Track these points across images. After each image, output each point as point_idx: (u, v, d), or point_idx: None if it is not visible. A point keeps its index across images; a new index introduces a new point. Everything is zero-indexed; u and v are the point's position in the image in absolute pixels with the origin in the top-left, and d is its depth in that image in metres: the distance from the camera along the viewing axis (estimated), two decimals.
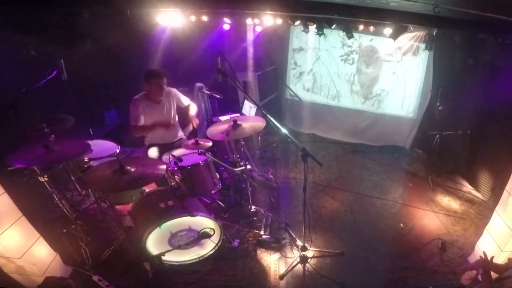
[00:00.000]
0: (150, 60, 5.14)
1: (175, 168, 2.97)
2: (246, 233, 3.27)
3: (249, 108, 4.65)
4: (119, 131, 5.01)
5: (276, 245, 3.12)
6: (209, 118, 4.42)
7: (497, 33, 3.14)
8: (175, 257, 2.76)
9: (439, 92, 4.23)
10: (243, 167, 3.49)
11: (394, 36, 3.75)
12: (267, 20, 4.35)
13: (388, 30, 3.82)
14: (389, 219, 3.64)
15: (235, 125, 3.10)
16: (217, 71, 2.78)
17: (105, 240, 3.03)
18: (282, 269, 2.88)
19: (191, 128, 3.81)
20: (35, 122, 3.14)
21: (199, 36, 5.19)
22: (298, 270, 2.89)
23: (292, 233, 3.20)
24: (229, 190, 3.72)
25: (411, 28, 4.16)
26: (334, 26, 4.08)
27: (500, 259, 2.45)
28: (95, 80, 4.80)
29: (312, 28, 4.46)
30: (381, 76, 5.32)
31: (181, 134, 3.84)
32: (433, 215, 3.70)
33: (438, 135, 4.24)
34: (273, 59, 6.02)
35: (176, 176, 3.06)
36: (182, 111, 3.81)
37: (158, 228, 2.60)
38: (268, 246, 3.13)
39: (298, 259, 2.92)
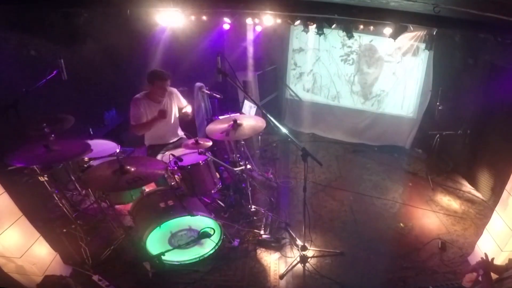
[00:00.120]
0: (150, 60, 5.13)
1: (175, 167, 2.97)
2: (246, 233, 3.27)
3: (249, 107, 4.65)
4: (119, 131, 5.00)
5: (276, 244, 3.12)
6: (209, 118, 4.42)
7: (497, 33, 3.13)
8: (175, 256, 2.76)
9: (439, 92, 4.22)
10: (243, 167, 3.49)
11: (394, 36, 3.75)
12: (267, 20, 4.35)
13: (388, 30, 3.82)
14: (389, 219, 3.64)
15: (235, 124, 3.09)
16: (217, 71, 2.78)
17: (105, 240, 3.04)
18: (282, 269, 2.88)
19: (190, 109, 3.80)
20: (35, 122, 3.14)
21: (199, 36, 5.19)
22: (298, 270, 2.89)
23: (292, 233, 3.20)
24: (229, 190, 3.72)
25: (411, 28, 4.17)
26: (334, 26, 4.08)
27: (500, 259, 2.45)
28: (95, 80, 4.80)
29: (312, 28, 4.46)
30: (381, 77, 5.32)
31: (181, 133, 3.84)
32: (433, 215, 3.70)
33: (438, 135, 4.24)
34: (273, 59, 6.02)
35: (176, 176, 3.06)
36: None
37: (158, 227, 2.60)
38: (268, 245, 3.13)
39: (298, 259, 2.92)
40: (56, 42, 4.00)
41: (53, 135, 3.16)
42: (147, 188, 3.15)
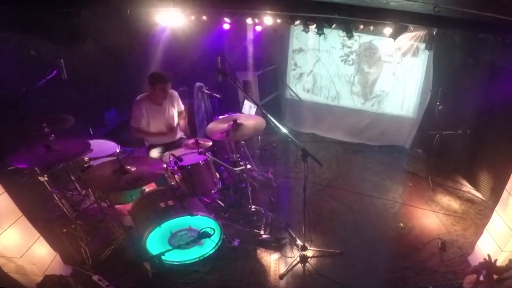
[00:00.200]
0: (150, 60, 5.14)
1: (175, 167, 2.97)
2: (246, 233, 3.27)
3: (249, 107, 4.65)
4: (119, 131, 5.01)
5: (276, 244, 3.13)
6: (209, 118, 4.42)
7: (497, 33, 3.14)
8: (175, 256, 2.76)
9: (439, 92, 4.22)
10: (243, 167, 3.49)
11: (394, 36, 3.75)
12: (267, 20, 4.35)
13: (388, 30, 3.82)
14: (389, 219, 3.64)
15: (235, 124, 3.09)
16: (217, 71, 2.79)
17: (105, 240, 3.03)
18: (282, 269, 2.88)
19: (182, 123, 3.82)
20: (35, 122, 3.14)
21: (199, 36, 5.19)
22: (298, 270, 2.89)
23: (292, 233, 3.20)
24: (229, 189, 3.71)
25: (411, 28, 4.17)
26: (334, 25, 4.08)
27: (500, 259, 2.45)
28: (95, 80, 4.80)
29: (312, 28, 4.46)
30: (381, 77, 5.32)
31: (181, 133, 3.84)
32: (433, 215, 3.70)
33: (438, 135, 4.24)
34: (273, 59, 6.02)
35: (176, 176, 3.06)
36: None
37: (158, 227, 2.60)
38: (268, 245, 3.13)
39: (298, 259, 2.92)
40: (56, 42, 4.00)
41: (53, 135, 3.16)
42: (147, 188, 3.15)
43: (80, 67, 4.27)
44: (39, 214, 3.19)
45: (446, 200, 4.00)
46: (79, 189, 3.50)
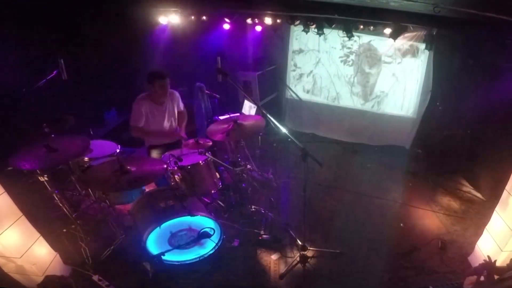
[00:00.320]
0: (150, 60, 5.14)
1: (175, 167, 2.97)
2: (246, 233, 3.27)
3: (249, 107, 4.65)
4: (119, 131, 5.01)
5: (276, 244, 3.12)
6: (209, 118, 4.42)
7: (497, 33, 3.14)
8: (175, 256, 2.76)
9: (439, 92, 4.23)
10: (243, 167, 3.49)
11: (394, 36, 3.76)
12: (267, 20, 4.35)
13: (388, 30, 3.83)
14: (389, 219, 3.63)
15: (235, 125, 3.09)
16: (217, 71, 2.78)
17: (105, 240, 3.03)
18: (282, 269, 2.88)
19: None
20: (35, 122, 3.14)
21: (199, 36, 5.19)
22: (298, 270, 2.88)
23: (292, 233, 3.20)
24: (229, 190, 3.71)
25: (411, 28, 4.17)
26: (334, 25, 4.08)
27: (500, 259, 2.45)
28: (95, 80, 4.80)
29: (312, 28, 4.46)
30: (381, 78, 5.32)
31: (181, 134, 3.83)
32: (433, 215, 3.70)
33: (438, 135, 4.24)
34: (273, 59, 6.02)
35: (176, 176, 3.06)
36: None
37: (158, 227, 2.60)
38: (268, 245, 3.13)
39: (298, 259, 2.91)
40: (56, 42, 4.00)
41: (53, 135, 3.16)
42: (147, 188, 3.15)
43: (80, 67, 4.27)
44: (39, 214, 3.17)
45: (446, 200, 4.00)
46: (79, 189, 3.50)
